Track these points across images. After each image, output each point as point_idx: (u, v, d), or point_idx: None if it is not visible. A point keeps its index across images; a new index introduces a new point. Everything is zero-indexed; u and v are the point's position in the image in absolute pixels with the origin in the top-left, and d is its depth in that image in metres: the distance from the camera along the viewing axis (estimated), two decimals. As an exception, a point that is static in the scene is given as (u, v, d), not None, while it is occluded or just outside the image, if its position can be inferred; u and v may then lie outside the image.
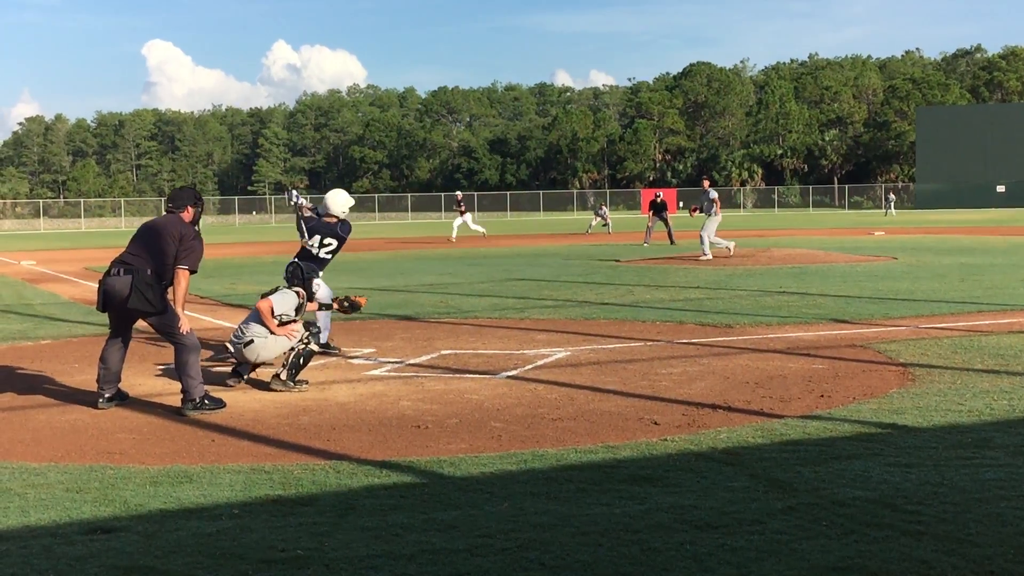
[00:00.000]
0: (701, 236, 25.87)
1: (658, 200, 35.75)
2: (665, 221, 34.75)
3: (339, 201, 11.73)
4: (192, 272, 8.78)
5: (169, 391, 9.28)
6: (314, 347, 9.51)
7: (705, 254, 25.48)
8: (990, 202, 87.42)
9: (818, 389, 8.74)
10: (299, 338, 9.37)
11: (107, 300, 8.68)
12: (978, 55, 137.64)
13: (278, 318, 9.38)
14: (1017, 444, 6.64)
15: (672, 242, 33.31)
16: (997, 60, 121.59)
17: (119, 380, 8.83)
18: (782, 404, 8.20)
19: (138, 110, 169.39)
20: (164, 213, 9.22)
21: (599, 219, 49.80)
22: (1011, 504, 5.37)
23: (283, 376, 9.21)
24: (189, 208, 9.02)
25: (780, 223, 61.11)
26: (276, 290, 9.68)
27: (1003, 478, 5.86)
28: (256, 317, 9.47)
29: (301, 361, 9.30)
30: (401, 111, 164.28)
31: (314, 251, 11.41)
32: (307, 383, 9.36)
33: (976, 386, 8.60)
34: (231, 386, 9.47)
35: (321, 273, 10.94)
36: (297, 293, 9.69)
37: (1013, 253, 26.61)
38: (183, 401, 8.53)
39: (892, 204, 74.79)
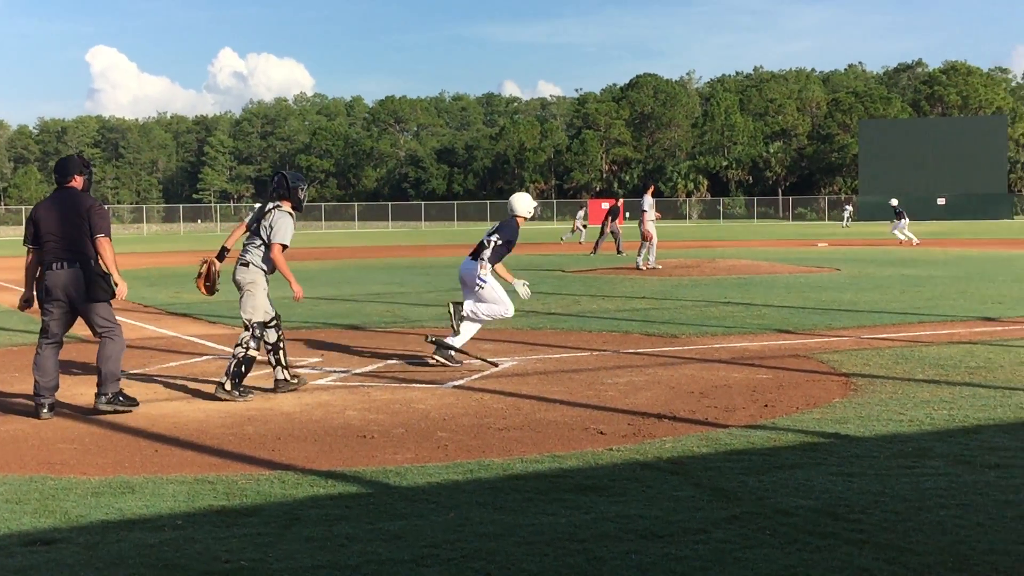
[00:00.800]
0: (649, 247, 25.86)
1: (616, 207, 35.83)
2: (615, 231, 34.91)
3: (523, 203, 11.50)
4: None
5: (111, 401, 9.16)
6: (253, 353, 9.35)
7: (651, 264, 25.43)
8: (931, 214, 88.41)
9: (762, 399, 8.82)
10: (242, 343, 9.31)
11: (51, 295, 8.52)
12: (919, 70, 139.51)
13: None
14: (957, 453, 6.74)
15: (619, 251, 33.45)
16: (938, 75, 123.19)
17: (57, 388, 8.71)
18: (727, 414, 8.26)
19: (82, 117, 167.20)
20: (56, 189, 8.84)
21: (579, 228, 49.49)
22: (951, 513, 5.45)
23: (227, 385, 9.13)
24: (77, 177, 8.79)
25: (725, 234, 61.57)
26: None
27: (943, 487, 5.94)
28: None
29: (243, 369, 9.23)
30: (348, 120, 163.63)
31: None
32: (252, 392, 9.30)
33: (917, 396, 8.72)
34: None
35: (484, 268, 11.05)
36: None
37: (953, 265, 26.99)
38: (97, 395, 8.52)
39: (848, 216, 75.52)
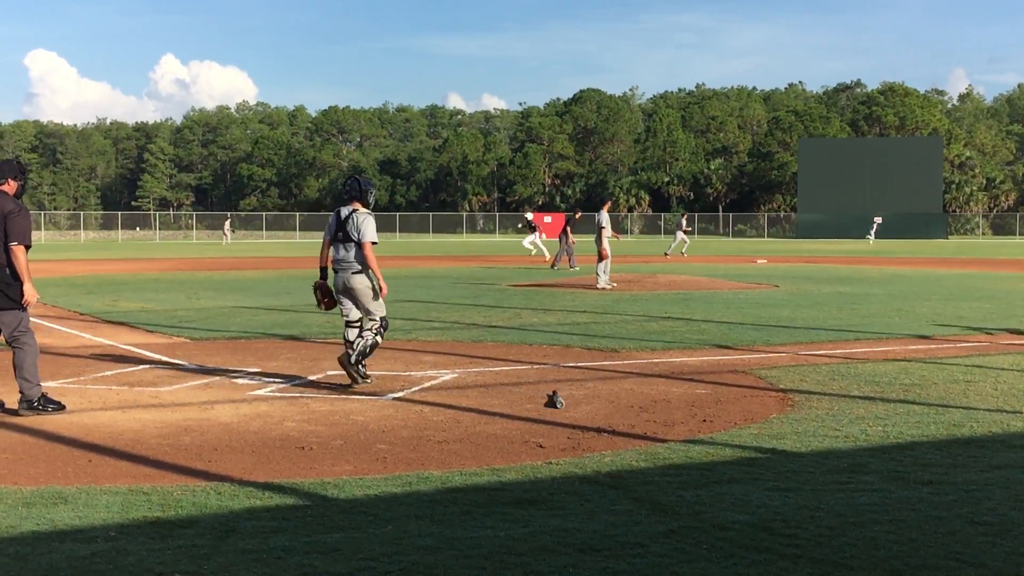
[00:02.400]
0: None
1: (575, 219, 35.72)
2: (569, 245, 34.81)
3: None
4: (27, 247, 8.61)
5: (45, 410, 9.03)
6: (379, 339, 10.31)
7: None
8: (868, 233, 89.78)
9: (701, 414, 8.87)
10: (371, 329, 10.18)
11: None
12: (858, 90, 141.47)
13: None
14: (891, 469, 6.83)
15: (572, 266, 33.44)
16: (876, 95, 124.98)
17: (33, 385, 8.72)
18: (665, 428, 8.30)
19: (19, 121, 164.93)
20: None
21: (680, 238, 48.86)
22: (884, 528, 5.52)
23: (358, 378, 10.13)
24: (11, 180, 8.79)
25: (665, 249, 61.92)
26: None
27: (877, 502, 6.02)
28: None
29: (367, 353, 10.14)
30: (291, 129, 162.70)
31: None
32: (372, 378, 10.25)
33: (852, 412, 8.82)
34: None
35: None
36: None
37: (889, 283, 27.37)
38: (19, 403, 8.58)
39: (874, 231, 76.00)
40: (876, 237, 76.65)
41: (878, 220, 79.46)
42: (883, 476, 6.66)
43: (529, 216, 45.34)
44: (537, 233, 42.06)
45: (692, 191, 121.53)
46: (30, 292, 8.73)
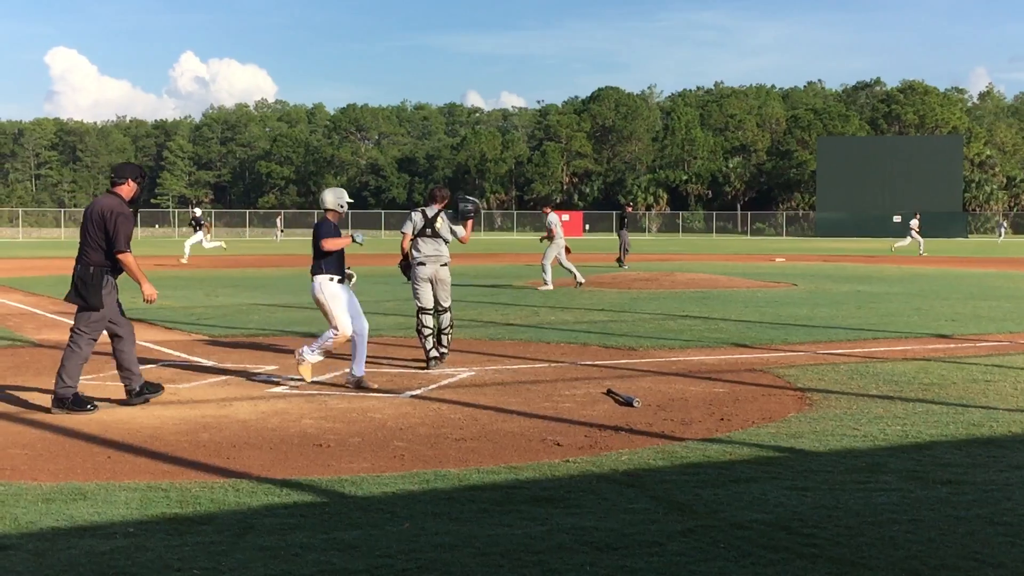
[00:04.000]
0: (543, 264, 24.44)
1: (625, 215, 35.24)
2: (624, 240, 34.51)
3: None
4: (125, 251, 8.87)
5: (64, 406, 9.08)
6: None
7: (546, 283, 23.71)
8: (887, 232, 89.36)
9: (718, 412, 8.86)
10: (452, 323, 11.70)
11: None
12: (877, 88, 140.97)
13: None
14: (909, 469, 6.80)
15: (622, 264, 33.22)
16: (895, 93, 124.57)
17: (137, 372, 9.15)
18: (683, 427, 8.29)
19: (39, 119, 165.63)
20: (106, 190, 9.26)
21: (914, 238, 47.97)
22: (903, 528, 5.50)
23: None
24: (130, 181, 9.09)
25: (684, 248, 61.84)
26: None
27: (896, 502, 5.99)
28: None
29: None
30: (309, 127, 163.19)
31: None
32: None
33: (871, 412, 8.79)
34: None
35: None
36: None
37: (908, 282, 27.26)
38: (53, 400, 8.77)
39: (1004, 230, 75.25)
40: (1005, 235, 75.25)
41: (1004, 224, 78.03)
42: (902, 476, 6.63)
43: (197, 212, 42.44)
44: (203, 231, 40.60)
45: (710, 189, 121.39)
46: (149, 291, 9.11)
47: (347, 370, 10.60)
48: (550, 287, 23.54)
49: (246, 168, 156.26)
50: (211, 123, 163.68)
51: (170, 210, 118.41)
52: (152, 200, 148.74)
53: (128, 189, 9.09)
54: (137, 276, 8.94)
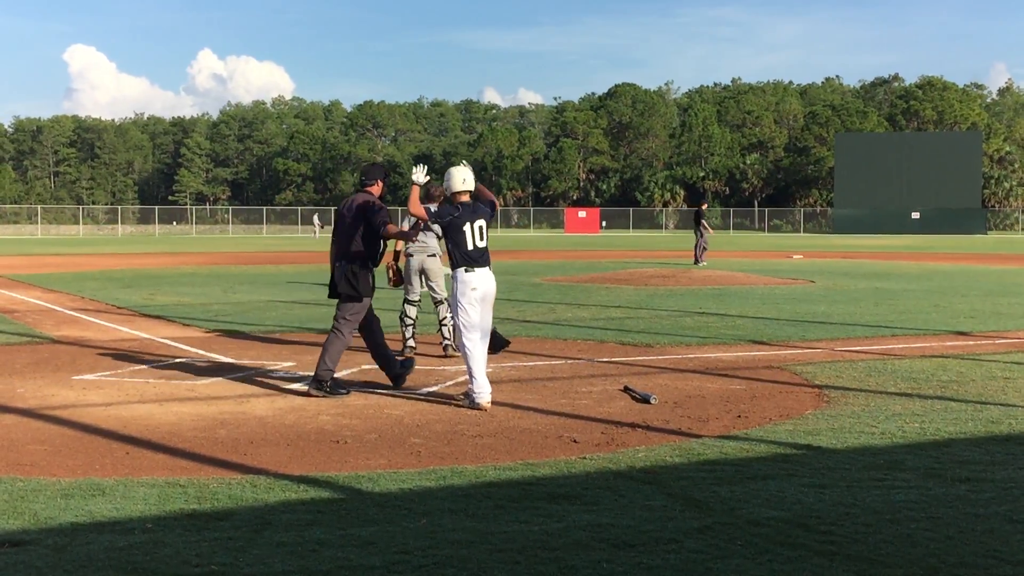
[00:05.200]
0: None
1: (703, 209, 34.43)
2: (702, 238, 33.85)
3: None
4: (385, 226, 9.52)
5: (84, 402, 9.13)
6: None
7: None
8: (906, 228, 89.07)
9: (735, 409, 8.84)
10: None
11: (330, 289, 9.69)
12: (896, 84, 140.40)
13: None
14: (928, 466, 6.78)
15: (699, 261, 32.79)
16: (914, 89, 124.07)
17: (390, 360, 9.82)
18: (700, 424, 8.28)
19: (57, 116, 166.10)
20: (356, 190, 9.94)
21: None
22: (921, 525, 5.48)
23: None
24: (379, 182, 9.81)
25: None
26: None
27: (914, 500, 5.97)
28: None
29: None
30: (326, 124, 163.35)
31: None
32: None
33: (889, 409, 8.76)
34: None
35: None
36: None
37: (926, 279, 27.16)
38: (311, 381, 9.52)
39: None
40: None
41: None
42: (920, 473, 6.61)
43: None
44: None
45: (727, 186, 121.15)
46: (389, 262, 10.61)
47: (365, 366, 10.59)
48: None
49: (263, 165, 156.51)
50: (228, 120, 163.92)
51: (187, 207, 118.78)
52: (170, 197, 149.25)
53: (377, 189, 9.78)
54: (399, 238, 10.14)
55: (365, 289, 9.47)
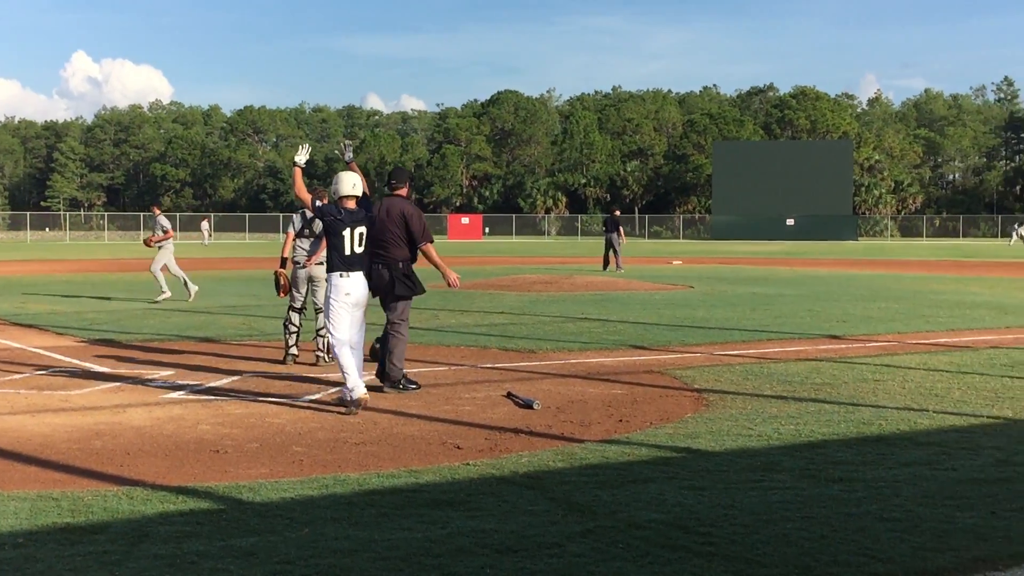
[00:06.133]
0: (152, 271, 22.08)
1: (614, 217, 34.75)
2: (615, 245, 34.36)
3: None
4: (429, 243, 10.07)
5: (-50, 415, 8.83)
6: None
7: (163, 291, 21.26)
8: (781, 234, 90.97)
9: (617, 414, 8.94)
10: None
11: (374, 290, 9.89)
12: (771, 93, 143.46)
13: None
14: (802, 467, 6.94)
15: (619, 267, 33.66)
16: (788, 99, 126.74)
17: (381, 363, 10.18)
18: (582, 428, 8.35)
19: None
20: (387, 193, 10.39)
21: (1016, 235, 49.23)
22: (796, 525, 5.61)
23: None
24: (408, 184, 10.28)
25: (583, 251, 62.22)
26: None
27: (789, 500, 6.11)
28: None
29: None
30: (205, 129, 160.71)
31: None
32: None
33: (765, 411, 8.95)
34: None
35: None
36: None
37: (801, 284, 27.80)
38: (383, 379, 9.96)
39: (1017, 233, 75.62)
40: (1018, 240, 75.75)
41: (1021, 228, 78.43)
42: (795, 474, 6.76)
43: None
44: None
45: (608, 193, 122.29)
46: (454, 277, 10.20)
47: (246, 374, 10.45)
48: (167, 294, 21.26)
49: (140, 170, 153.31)
50: (104, 124, 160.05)
51: (61, 213, 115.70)
52: (42, 203, 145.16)
53: (406, 191, 10.25)
54: (440, 264, 10.12)
55: (420, 288, 10.18)
